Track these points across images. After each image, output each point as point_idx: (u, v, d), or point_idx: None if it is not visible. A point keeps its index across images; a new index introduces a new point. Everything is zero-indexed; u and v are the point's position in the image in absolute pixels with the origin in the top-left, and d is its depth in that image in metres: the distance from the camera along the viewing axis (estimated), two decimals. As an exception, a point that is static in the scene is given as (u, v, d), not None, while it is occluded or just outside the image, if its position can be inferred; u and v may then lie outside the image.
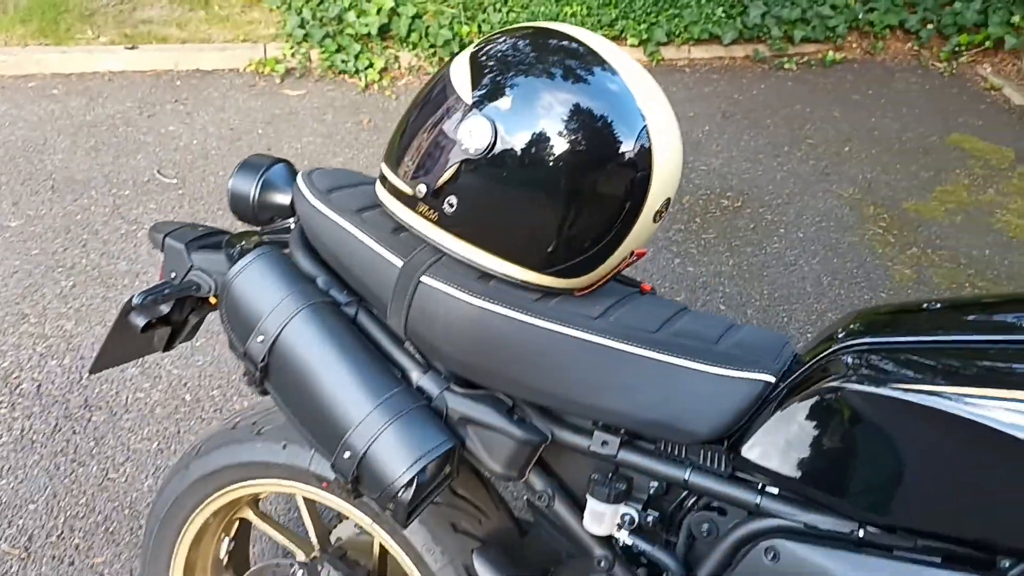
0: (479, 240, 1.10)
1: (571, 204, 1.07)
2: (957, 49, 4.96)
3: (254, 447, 1.37)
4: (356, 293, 1.22)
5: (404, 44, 4.51)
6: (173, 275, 1.36)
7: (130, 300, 1.33)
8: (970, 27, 4.94)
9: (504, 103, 1.06)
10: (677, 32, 4.86)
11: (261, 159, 1.35)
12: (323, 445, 1.13)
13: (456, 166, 1.07)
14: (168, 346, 1.46)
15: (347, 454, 1.09)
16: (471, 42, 4.61)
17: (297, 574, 1.34)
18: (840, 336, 1.05)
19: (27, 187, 3.31)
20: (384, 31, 4.49)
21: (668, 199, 1.10)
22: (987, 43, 4.92)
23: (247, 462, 1.37)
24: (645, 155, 1.07)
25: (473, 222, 1.09)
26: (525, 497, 1.46)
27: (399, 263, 1.13)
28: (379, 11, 4.45)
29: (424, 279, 1.11)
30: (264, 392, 1.20)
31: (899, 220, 3.51)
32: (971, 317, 1.04)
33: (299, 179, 1.27)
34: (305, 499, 1.44)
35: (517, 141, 1.05)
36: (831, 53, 4.98)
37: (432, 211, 1.11)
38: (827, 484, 0.99)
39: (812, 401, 0.99)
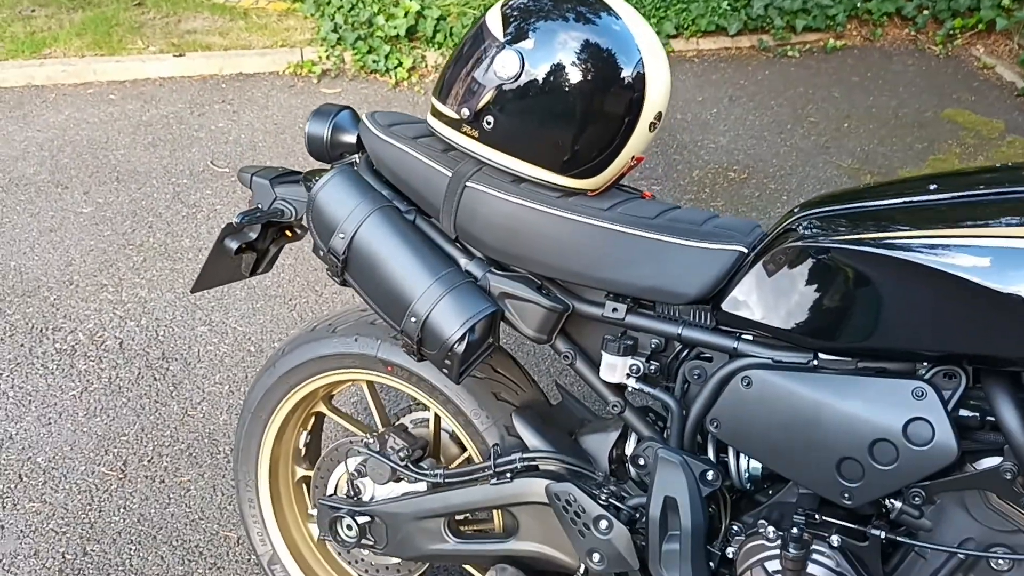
0: (512, 150, 1.40)
1: (583, 118, 1.37)
2: (952, 32, 5.22)
3: (331, 342, 1.67)
4: (414, 204, 1.52)
5: (430, 44, 4.84)
6: (261, 205, 1.67)
7: (228, 224, 1.65)
8: (964, 11, 5.20)
9: (529, 42, 1.36)
10: (685, 25, 5.16)
11: (330, 107, 1.66)
12: (392, 317, 1.44)
13: (492, 92, 1.38)
14: (253, 271, 1.76)
15: (413, 319, 1.39)
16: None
17: (367, 445, 1.63)
18: (796, 211, 1.34)
19: (95, 179, 3.65)
20: (411, 32, 4.82)
21: (660, 112, 1.40)
22: (980, 26, 5.17)
23: (325, 355, 1.68)
24: (640, 79, 1.37)
25: (507, 136, 1.39)
26: (553, 380, 1.77)
27: (449, 173, 1.44)
28: (406, 14, 4.78)
29: (469, 184, 1.42)
30: (344, 283, 1.51)
31: (895, 187, 3.77)
32: (900, 189, 1.31)
33: (364, 118, 1.58)
34: (370, 387, 1.74)
35: (540, 70, 1.35)
36: (832, 41, 5.26)
37: (474, 130, 1.41)
38: (789, 323, 1.27)
39: (774, 260, 1.28)
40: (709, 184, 3.80)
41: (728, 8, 5.18)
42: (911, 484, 1.21)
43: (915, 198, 1.24)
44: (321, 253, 1.52)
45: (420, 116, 1.58)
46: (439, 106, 1.47)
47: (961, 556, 1.22)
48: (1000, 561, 1.20)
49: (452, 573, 1.98)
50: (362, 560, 1.75)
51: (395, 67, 4.69)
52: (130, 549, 2.11)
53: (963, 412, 1.18)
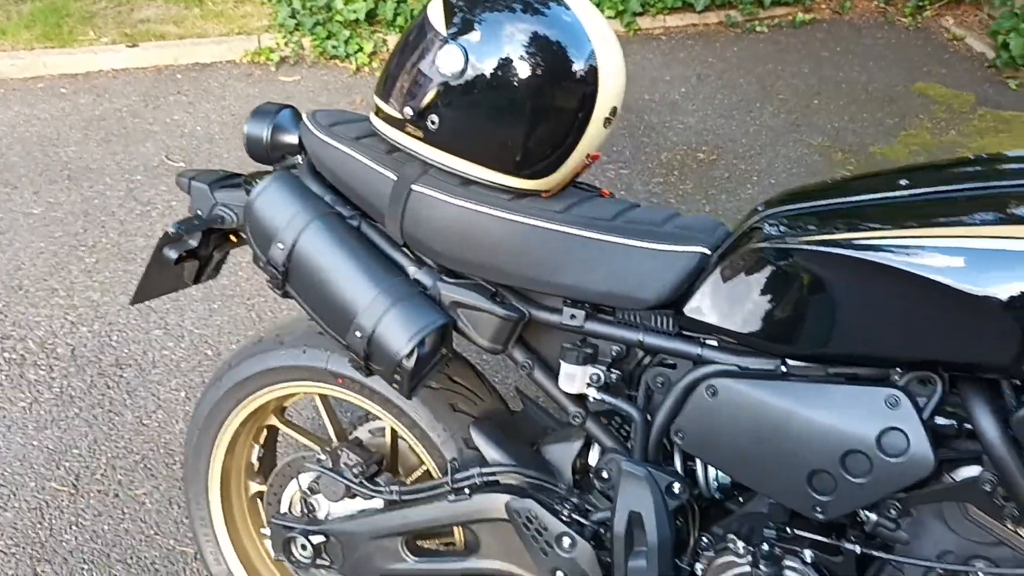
0: (459, 151, 1.31)
1: (534, 115, 1.29)
2: (921, 4, 5.16)
3: (278, 354, 1.59)
4: (358, 208, 1.44)
5: (391, 27, 4.72)
6: (199, 212, 1.58)
7: (166, 234, 1.56)
8: (933, -18, 5.16)
9: (474, 35, 1.27)
10: (652, 2, 5.07)
11: (270, 106, 1.56)
12: (337, 331, 1.35)
13: (436, 89, 1.29)
14: (196, 279, 1.67)
15: (358, 333, 1.31)
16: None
17: (319, 461, 1.55)
18: (760, 209, 1.27)
19: (45, 177, 3.52)
20: (371, 16, 4.70)
21: (615, 108, 1.32)
22: (950, -4, 5.13)
23: (273, 367, 1.59)
24: (592, 72, 1.29)
25: (453, 136, 1.31)
26: (514, 385, 1.69)
27: (393, 177, 1.35)
28: (365, -3, 4.66)
29: (415, 187, 1.34)
30: (285, 294, 1.42)
31: (866, 163, 3.73)
32: (869, 184, 1.24)
33: (305, 118, 1.49)
34: (322, 399, 1.66)
35: (486, 66, 1.27)
36: (800, 15, 5.19)
37: (418, 130, 1.33)
38: (755, 329, 1.20)
39: (737, 262, 1.21)
40: (678, 166, 3.72)
41: (695, -16, 5.09)
42: (886, 496, 1.15)
43: (885, 194, 1.17)
44: (260, 264, 1.43)
45: (367, 112, 1.49)
46: (382, 105, 1.38)
47: (940, 570, 1.16)
48: (980, 574, 1.14)
49: None
50: (319, 580, 1.68)
51: (355, 52, 4.57)
52: (83, 569, 2.03)
53: (939, 420, 1.12)
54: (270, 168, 1.58)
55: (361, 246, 1.37)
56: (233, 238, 1.65)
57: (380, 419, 1.65)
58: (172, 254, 1.57)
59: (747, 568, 1.23)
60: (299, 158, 1.53)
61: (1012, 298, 1.00)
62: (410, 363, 1.29)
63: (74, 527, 2.13)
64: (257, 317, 2.78)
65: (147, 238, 3.17)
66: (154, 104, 4.13)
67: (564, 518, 1.35)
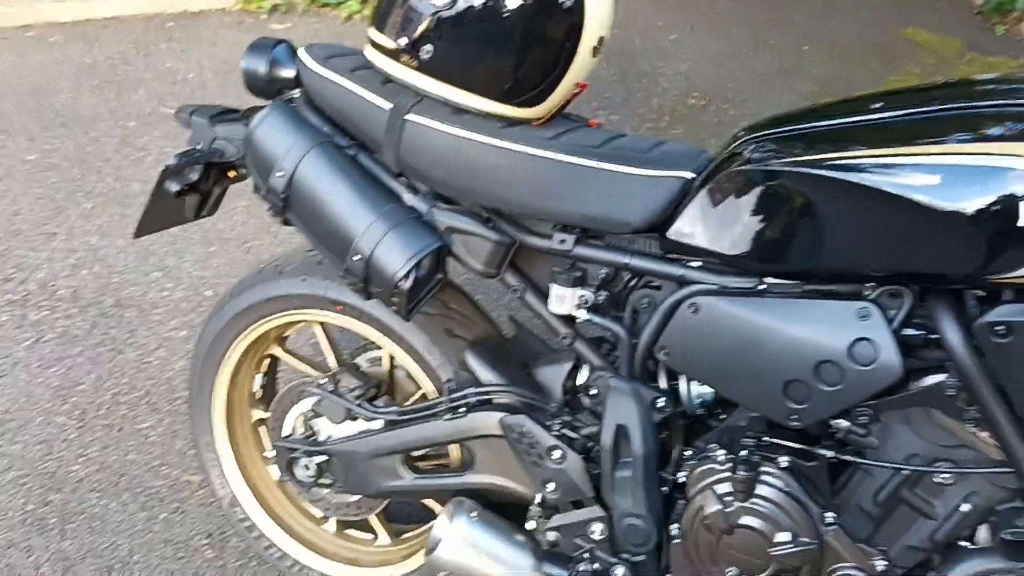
0: (452, 79, 1.36)
1: (523, 44, 1.34)
2: (912, -49, 5.15)
3: (278, 283, 1.65)
4: (355, 139, 1.48)
5: (382, -25, 4.70)
6: (200, 145, 1.62)
7: (167, 167, 1.60)
8: (925, -72, 5.13)
9: (464, -33, 1.31)
10: (643, -50, 5.04)
11: (266, 40, 1.60)
12: (337, 255, 1.41)
13: (429, 20, 1.33)
14: (197, 214, 1.72)
15: (357, 257, 1.37)
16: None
17: (321, 385, 1.62)
18: (741, 134, 1.32)
19: (39, 125, 3.54)
20: (362, -36, 4.68)
21: (602, 37, 1.37)
22: (941, -57, 5.11)
23: (273, 296, 1.65)
24: (579, 2, 1.33)
25: (446, 65, 1.36)
26: (508, 314, 1.75)
27: (389, 107, 1.40)
28: (356, -56, 4.64)
29: (410, 117, 1.38)
30: (286, 221, 1.48)
31: (854, 109, 3.75)
32: (847, 108, 1.29)
33: (301, 52, 1.53)
34: (322, 328, 1.72)
35: (475, -4, 1.31)
36: (792, -38, 5.17)
37: (412, 60, 1.37)
38: (736, 249, 1.26)
39: (719, 185, 1.26)
40: (668, 112, 3.75)
41: (686, -69, 5.06)
42: (857, 404, 1.22)
43: (862, 117, 1.23)
44: (261, 192, 1.48)
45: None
46: (376, 36, 1.42)
47: (906, 472, 1.24)
48: (944, 475, 1.22)
49: (416, 510, 1.99)
50: (322, 499, 1.75)
51: (347, 0, 4.56)
52: (92, 497, 2.10)
53: (908, 331, 1.19)
54: (267, 102, 1.63)
55: (358, 173, 1.42)
56: (232, 173, 1.69)
57: (377, 350, 1.72)
58: (173, 187, 1.61)
59: (726, 475, 1.30)
60: (296, 92, 1.57)
61: (979, 211, 1.06)
62: (407, 284, 1.35)
63: (81, 459, 2.19)
64: (255, 259, 2.82)
65: (143, 183, 3.20)
66: (145, 52, 4.13)
67: (555, 432, 1.42)
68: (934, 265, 1.13)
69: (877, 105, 1.24)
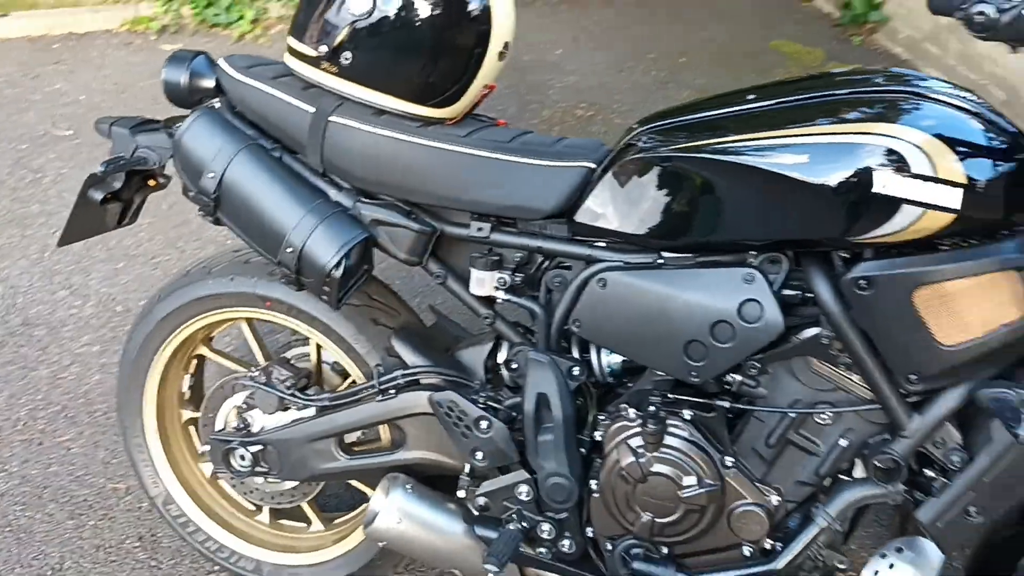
0: (372, 84, 1.48)
1: (436, 51, 1.47)
2: (775, -32, 5.52)
3: (207, 284, 1.72)
4: (278, 142, 1.58)
5: (272, -5, 4.76)
6: (123, 155, 1.68)
7: (91, 175, 1.66)
8: (785, -53, 5.51)
9: (381, -21, 1.44)
10: (526, -32, 5.25)
11: (185, 52, 1.68)
12: (269, 250, 1.50)
13: (347, 29, 1.45)
14: (119, 222, 1.78)
15: (289, 249, 1.46)
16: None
17: (253, 378, 1.70)
18: (635, 127, 1.48)
19: (-75, 149, 3.47)
20: (252, -16, 4.73)
21: (507, 42, 1.51)
22: (800, -40, 5.50)
23: (202, 296, 1.72)
24: (486, 12, 1.48)
25: (365, 70, 1.47)
26: (428, 304, 1.87)
27: (312, 109, 1.51)
28: (244, -35, 4.68)
29: (333, 118, 1.49)
30: (217, 221, 1.56)
31: (730, 115, 4.03)
32: (725, 100, 1.46)
33: (221, 62, 1.62)
34: (250, 326, 1.80)
35: (390, 7, 1.44)
36: (667, -21, 5.47)
37: (333, 66, 1.48)
38: (636, 228, 1.41)
39: (618, 173, 1.42)
40: (558, 122, 3.94)
41: (566, -50, 5.30)
42: (747, 358, 1.38)
43: (738, 108, 1.40)
44: (191, 194, 1.56)
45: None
46: (296, 45, 1.52)
47: (792, 415, 1.41)
48: (824, 415, 1.40)
49: (344, 500, 2.07)
50: (256, 490, 1.82)
51: (237, 20, 4.60)
52: (15, 510, 2.10)
53: (786, 291, 1.36)
54: (187, 112, 1.70)
55: (286, 172, 1.52)
56: (151, 182, 1.76)
57: (302, 346, 1.80)
58: (97, 195, 1.67)
59: (638, 430, 1.45)
60: (216, 101, 1.66)
61: (840, 183, 1.25)
62: (338, 273, 1.45)
63: (2, 473, 2.19)
64: (163, 274, 2.85)
65: (41, 204, 3.19)
66: (32, 74, 4.08)
67: (480, 405, 1.54)
68: (805, 232, 1.31)
69: (751, 97, 1.41)
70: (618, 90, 4.26)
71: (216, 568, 1.97)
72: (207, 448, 1.78)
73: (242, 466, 1.72)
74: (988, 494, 1.32)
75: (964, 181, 1.20)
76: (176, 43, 4.47)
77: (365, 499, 1.84)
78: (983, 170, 1.22)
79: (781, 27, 4.97)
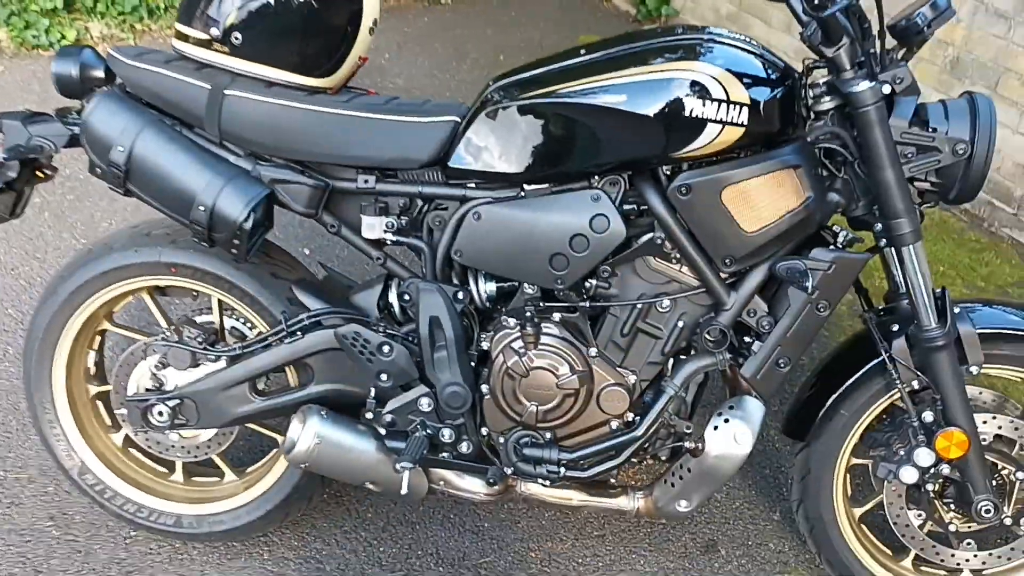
0: (262, 59, 1.70)
1: (315, 28, 1.71)
2: (575, -27, 6.02)
3: (111, 257, 1.86)
4: (175, 118, 1.76)
5: (92, 14, 4.75)
6: (19, 145, 1.81)
7: (-11, 163, 1.78)
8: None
9: (258, -33, 1.67)
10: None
11: (71, 48, 1.83)
12: (180, 212, 1.69)
13: (235, 13, 1.67)
14: (12, 212, 1.89)
15: (201, 208, 1.66)
16: (158, 7, 4.90)
17: (165, 339, 1.86)
18: (491, 84, 1.77)
19: None
20: (70, 4, 4.70)
21: (375, 19, 1.77)
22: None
23: (107, 270, 1.87)
24: (357, -7, 1.73)
25: (255, 48, 1.69)
26: (319, 261, 2.08)
27: (207, 86, 1.71)
28: (59, -14, 4.66)
29: (228, 91, 1.70)
30: (128, 192, 1.73)
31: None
32: (561, 57, 1.77)
33: (111, 52, 1.79)
34: (152, 297, 1.95)
35: (271, -9, 1.67)
36: (477, -13, 5.85)
37: (224, 46, 1.69)
38: (499, 168, 1.69)
39: (481, 122, 1.70)
40: (396, 118, 4.20)
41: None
42: (600, 263, 1.70)
43: (572, 61, 1.72)
44: (99, 171, 1.72)
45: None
46: (186, 30, 1.72)
47: (639, 307, 1.74)
48: (663, 304, 1.73)
49: (251, 453, 2.24)
50: (173, 446, 1.98)
51: (59, 40, 4.57)
52: (-85, 512, 2.14)
53: (626, 206, 1.68)
54: (77, 103, 1.84)
55: (190, 143, 1.72)
56: (40, 174, 1.89)
57: (206, 314, 1.97)
58: (-4, 183, 1.79)
59: (518, 334, 1.74)
60: (107, 88, 1.81)
61: (657, 112, 1.58)
62: (248, 225, 1.66)
63: None
64: (28, 283, 2.89)
65: None
66: None
67: (381, 333, 1.78)
68: (635, 153, 1.63)
69: (583, 51, 1.74)
70: (447, 88, 4.57)
71: (134, 534, 2.10)
72: (124, 411, 1.93)
73: (160, 421, 1.88)
74: (791, 346, 1.70)
75: (749, 102, 1.57)
76: (-5, 67, 4.40)
77: (274, 446, 2.04)
78: (762, 94, 1.59)
79: (586, 24, 5.44)
